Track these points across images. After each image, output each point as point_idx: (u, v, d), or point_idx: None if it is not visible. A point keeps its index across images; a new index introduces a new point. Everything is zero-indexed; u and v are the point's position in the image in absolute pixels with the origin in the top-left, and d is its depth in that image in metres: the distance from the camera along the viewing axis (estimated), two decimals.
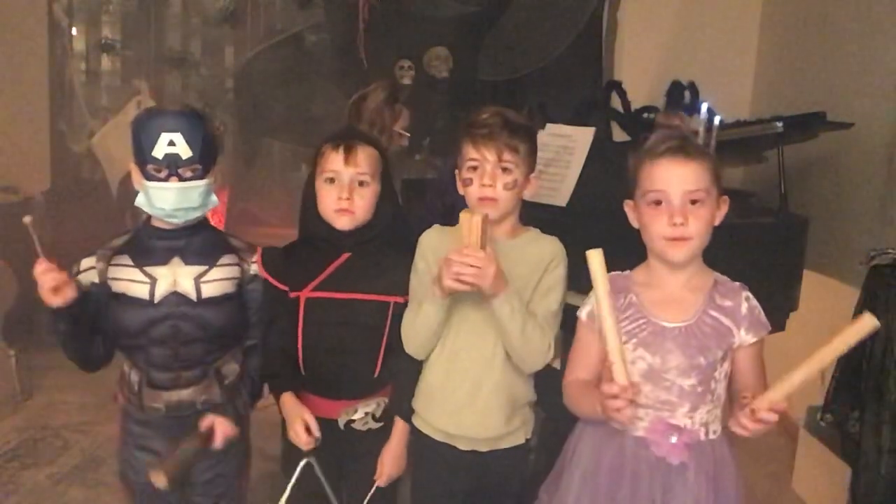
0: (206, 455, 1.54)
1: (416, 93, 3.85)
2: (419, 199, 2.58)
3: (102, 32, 4.39)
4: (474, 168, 1.48)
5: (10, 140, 3.98)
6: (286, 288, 1.60)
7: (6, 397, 3.20)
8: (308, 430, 1.53)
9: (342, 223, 1.56)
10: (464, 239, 1.36)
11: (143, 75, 4.28)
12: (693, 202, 1.31)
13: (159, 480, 1.43)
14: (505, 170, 1.47)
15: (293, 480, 1.54)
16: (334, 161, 1.55)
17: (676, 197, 1.31)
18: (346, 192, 1.54)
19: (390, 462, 1.61)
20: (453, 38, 4.09)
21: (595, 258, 1.21)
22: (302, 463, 1.53)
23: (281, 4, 4.31)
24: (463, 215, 1.37)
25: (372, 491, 1.60)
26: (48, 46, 4.17)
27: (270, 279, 1.60)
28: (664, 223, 1.32)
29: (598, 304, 1.23)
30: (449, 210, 1.95)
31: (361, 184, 1.56)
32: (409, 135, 2.47)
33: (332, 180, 1.56)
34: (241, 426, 1.71)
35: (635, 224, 1.41)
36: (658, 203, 1.33)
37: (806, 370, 1.15)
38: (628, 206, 1.42)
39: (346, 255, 1.59)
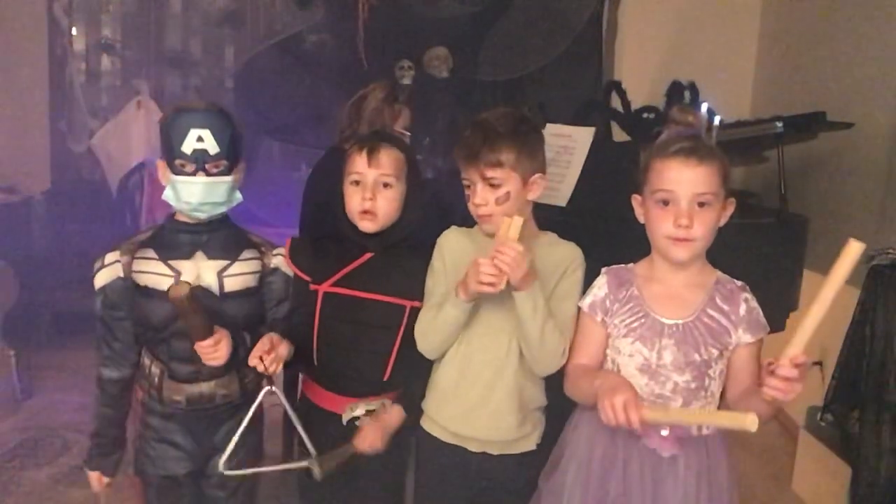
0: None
1: (416, 93, 3.85)
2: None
3: (102, 32, 4.39)
4: (468, 186, 1.50)
5: (10, 140, 3.98)
6: (308, 279, 1.61)
7: (6, 397, 3.20)
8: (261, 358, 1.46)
9: (366, 226, 1.58)
10: (500, 238, 1.36)
11: (143, 75, 4.28)
12: (700, 204, 1.32)
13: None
14: (492, 185, 1.46)
15: (252, 410, 1.52)
16: (358, 163, 1.57)
17: (684, 199, 1.32)
18: (370, 192, 1.55)
19: (370, 433, 1.55)
20: (453, 38, 4.09)
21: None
22: (262, 392, 1.51)
23: (281, 4, 4.30)
24: (505, 219, 1.38)
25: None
26: (48, 46, 4.17)
27: (295, 269, 1.63)
28: (670, 223, 1.33)
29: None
30: (447, 211, 1.94)
31: (385, 185, 1.57)
32: (409, 134, 2.47)
33: (356, 182, 1.58)
34: (258, 421, 1.72)
35: (641, 219, 1.41)
36: (665, 203, 1.33)
37: (815, 314, 1.18)
38: (636, 201, 1.43)
39: (368, 255, 1.60)
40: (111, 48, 4.39)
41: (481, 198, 1.46)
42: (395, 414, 1.60)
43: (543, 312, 1.42)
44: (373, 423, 1.57)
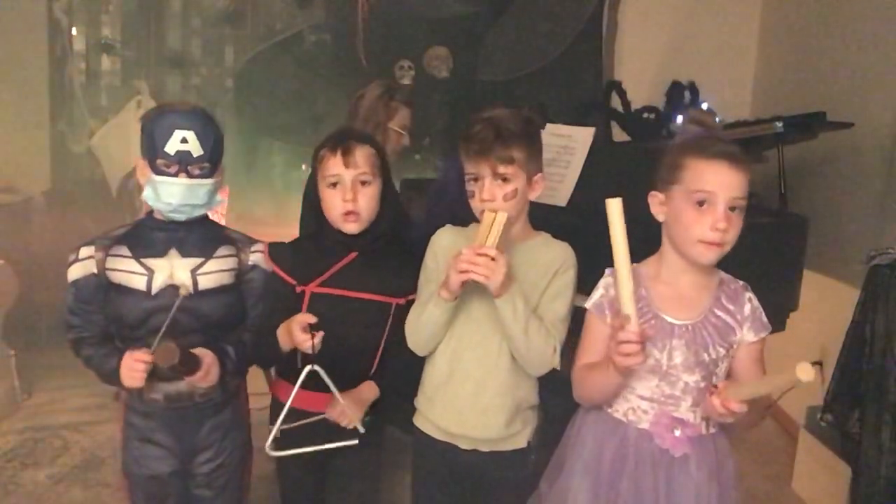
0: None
1: (416, 93, 3.85)
2: (419, 199, 2.59)
3: (102, 32, 4.38)
4: (474, 180, 1.49)
5: (10, 140, 3.98)
6: (293, 282, 1.61)
7: (6, 397, 3.20)
8: (307, 332, 1.45)
9: (350, 228, 1.58)
10: (481, 236, 1.37)
11: (143, 75, 4.27)
12: (732, 209, 1.31)
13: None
14: (503, 180, 1.46)
15: (297, 386, 1.48)
16: (334, 165, 1.57)
17: (723, 202, 1.30)
18: (350, 193, 1.56)
19: (346, 401, 1.52)
20: (453, 38, 4.09)
21: (614, 206, 1.22)
22: (305, 370, 1.47)
23: (281, 4, 4.29)
24: (487, 213, 1.38)
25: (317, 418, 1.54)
26: (48, 46, 4.17)
27: (279, 272, 1.62)
28: (705, 226, 1.30)
29: (616, 252, 1.23)
30: (454, 212, 1.94)
31: (364, 183, 1.57)
32: (405, 133, 2.46)
33: (334, 184, 1.57)
34: (243, 418, 1.73)
35: (660, 217, 1.39)
36: (701, 204, 1.31)
37: (759, 387, 1.25)
38: (655, 198, 1.39)
39: (353, 254, 1.60)
40: (111, 48, 4.37)
41: (489, 193, 1.46)
42: (369, 388, 1.60)
43: (524, 314, 1.43)
44: (347, 396, 1.54)
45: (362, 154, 1.57)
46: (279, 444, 1.52)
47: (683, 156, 1.34)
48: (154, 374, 1.54)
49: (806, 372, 1.06)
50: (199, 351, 1.51)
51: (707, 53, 3.82)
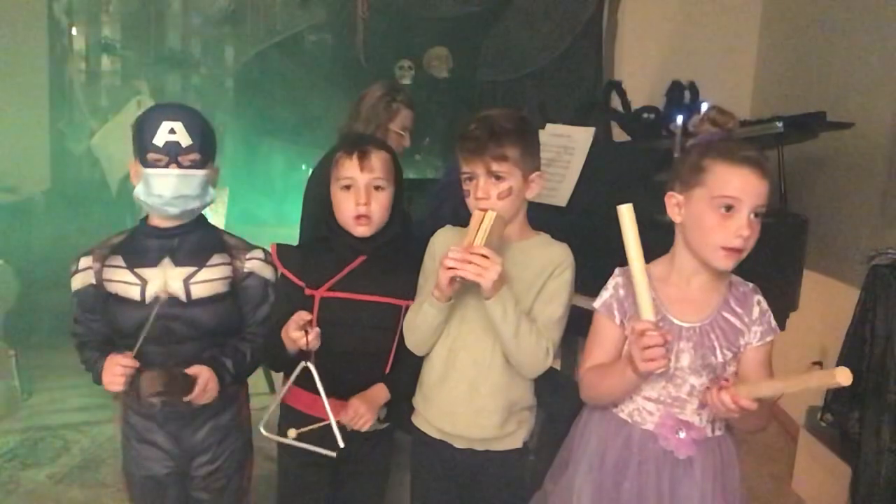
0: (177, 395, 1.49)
1: (416, 93, 3.86)
2: (419, 199, 2.58)
3: (102, 32, 4.38)
4: (469, 179, 1.50)
5: (10, 140, 3.98)
6: (302, 284, 1.60)
7: (6, 397, 3.20)
8: (305, 330, 1.44)
9: (361, 231, 1.57)
10: (469, 235, 1.37)
11: (143, 75, 4.27)
12: (755, 216, 1.30)
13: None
14: (498, 178, 1.46)
15: (291, 380, 1.50)
16: (350, 168, 1.56)
17: (748, 209, 1.28)
18: (364, 197, 1.55)
19: (360, 408, 1.52)
20: (453, 38, 4.10)
21: (626, 213, 1.25)
22: (299, 367, 1.48)
23: (281, 4, 4.30)
24: (477, 211, 1.39)
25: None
26: (48, 46, 4.17)
27: (288, 273, 1.61)
28: (729, 232, 1.28)
29: (630, 258, 1.25)
30: (457, 214, 1.94)
31: (377, 188, 1.57)
32: (406, 134, 2.45)
33: (348, 187, 1.57)
34: (242, 422, 1.72)
35: (676, 218, 1.37)
36: (727, 209, 1.29)
37: (784, 386, 1.21)
38: (672, 199, 1.37)
39: (362, 258, 1.60)
40: (111, 48, 4.38)
41: (483, 191, 1.46)
42: (380, 391, 1.59)
43: (515, 316, 1.42)
44: (360, 398, 1.54)
45: (378, 159, 1.57)
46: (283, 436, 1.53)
47: (707, 159, 1.32)
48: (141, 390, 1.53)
49: (846, 377, 1.06)
50: (194, 369, 1.51)
51: (707, 53, 3.82)
